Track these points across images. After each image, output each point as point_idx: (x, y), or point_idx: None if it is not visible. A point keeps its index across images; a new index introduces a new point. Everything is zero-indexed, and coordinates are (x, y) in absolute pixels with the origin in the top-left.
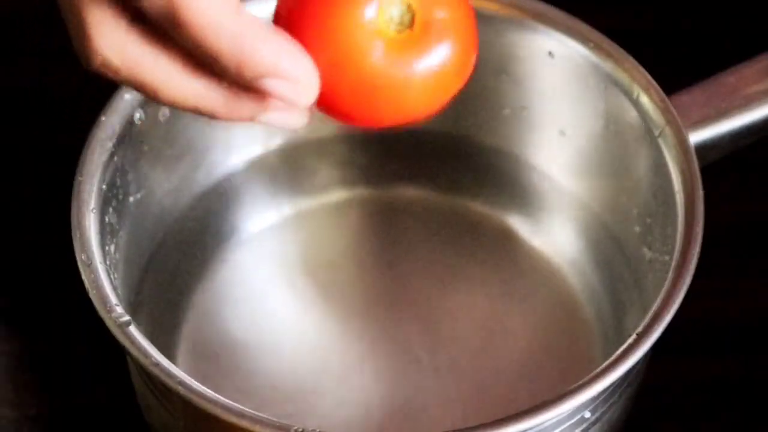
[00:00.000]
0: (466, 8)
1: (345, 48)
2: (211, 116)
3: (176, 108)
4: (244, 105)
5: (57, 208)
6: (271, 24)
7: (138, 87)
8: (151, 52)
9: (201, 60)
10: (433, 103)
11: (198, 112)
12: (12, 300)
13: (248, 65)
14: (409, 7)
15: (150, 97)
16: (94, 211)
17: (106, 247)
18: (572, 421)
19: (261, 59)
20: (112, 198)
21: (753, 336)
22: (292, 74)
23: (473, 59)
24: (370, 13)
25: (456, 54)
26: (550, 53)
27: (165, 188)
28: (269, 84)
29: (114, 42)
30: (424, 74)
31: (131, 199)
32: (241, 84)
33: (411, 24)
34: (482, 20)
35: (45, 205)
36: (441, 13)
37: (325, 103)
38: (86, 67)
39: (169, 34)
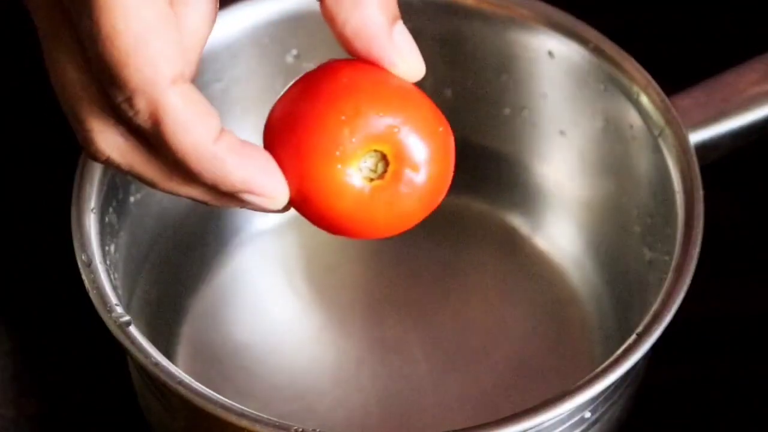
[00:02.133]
0: (444, 142)
1: (313, 182)
2: (204, 204)
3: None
4: (228, 201)
5: (57, 208)
6: (250, 144)
7: (137, 178)
8: (147, 155)
9: (185, 173)
10: (403, 225)
11: (192, 201)
12: (12, 300)
13: (224, 183)
14: (383, 157)
15: (147, 186)
16: (94, 211)
17: (106, 247)
18: (572, 421)
19: (234, 181)
20: (112, 198)
21: (752, 336)
22: (263, 191)
23: (447, 186)
24: (344, 159)
25: (426, 192)
26: (550, 53)
27: None
28: (243, 197)
29: (115, 145)
30: (390, 209)
31: (131, 199)
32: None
33: (383, 173)
34: (482, 20)
35: (45, 205)
36: (415, 157)
37: (302, 214)
38: (92, 159)
39: (157, 150)
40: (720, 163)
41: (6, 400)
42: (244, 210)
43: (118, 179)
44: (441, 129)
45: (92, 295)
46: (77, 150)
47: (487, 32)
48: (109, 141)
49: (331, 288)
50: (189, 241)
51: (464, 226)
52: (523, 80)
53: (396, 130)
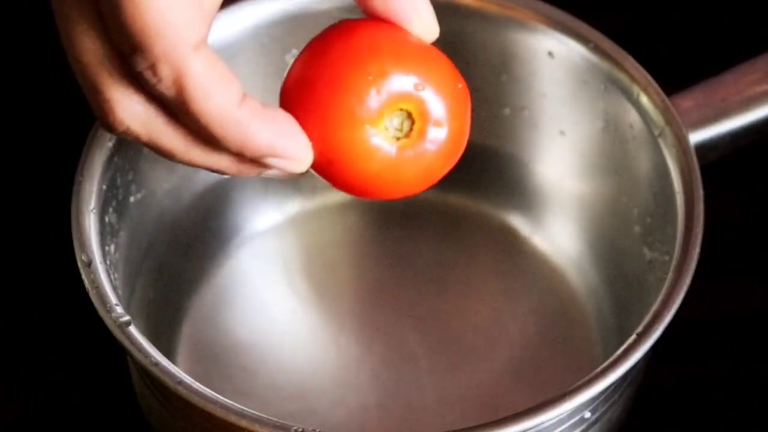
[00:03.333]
0: (464, 98)
1: (340, 144)
2: (223, 174)
3: (191, 166)
4: (250, 168)
5: (57, 208)
6: (272, 108)
7: (155, 149)
8: (168, 124)
9: (208, 140)
10: (428, 182)
11: (211, 171)
12: (12, 300)
13: (248, 148)
14: (408, 115)
15: (166, 158)
16: (94, 211)
17: (106, 247)
18: (572, 421)
19: (259, 143)
20: (112, 198)
21: (752, 336)
22: (287, 153)
23: (466, 140)
24: (371, 119)
25: (449, 148)
26: (550, 53)
27: (165, 188)
28: (267, 161)
29: (135, 114)
30: (415, 167)
31: (131, 199)
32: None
33: (409, 132)
34: (482, 20)
35: (45, 205)
36: (438, 113)
37: (324, 177)
38: (108, 132)
39: (180, 118)
40: (720, 163)
41: (5, 400)
42: (244, 209)
43: (118, 179)
44: (460, 86)
45: (92, 295)
46: (77, 150)
47: (487, 32)
48: (128, 110)
49: (331, 288)
50: (189, 241)
51: (464, 226)
52: (523, 80)
53: (421, 87)
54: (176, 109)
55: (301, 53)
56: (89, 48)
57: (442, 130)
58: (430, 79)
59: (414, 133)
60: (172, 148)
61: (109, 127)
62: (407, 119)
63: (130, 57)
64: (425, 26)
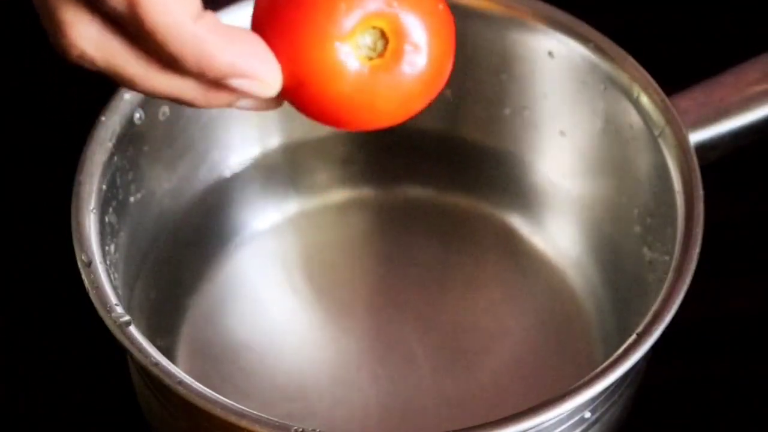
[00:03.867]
0: (445, 20)
1: (309, 63)
2: (190, 105)
3: (155, 97)
4: (219, 96)
5: (57, 208)
6: (233, 26)
7: (115, 78)
8: (125, 46)
9: (166, 60)
10: (405, 112)
11: (176, 101)
12: (12, 300)
13: (208, 67)
14: (382, 34)
15: (128, 87)
16: (94, 211)
17: (106, 247)
18: (572, 421)
19: (220, 62)
20: (112, 198)
21: (752, 336)
22: (252, 73)
23: (448, 70)
24: (342, 36)
25: (428, 74)
26: (550, 53)
27: (165, 188)
28: (231, 82)
29: (89, 36)
30: (391, 92)
31: (131, 199)
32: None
33: (383, 52)
34: (482, 20)
35: (45, 205)
36: (415, 33)
37: (296, 104)
38: (64, 59)
39: (136, 37)
40: (720, 163)
41: (5, 400)
42: (243, 209)
43: (118, 179)
44: (441, 6)
45: (92, 295)
46: (77, 150)
47: (487, 32)
48: (83, 33)
49: (331, 287)
50: (189, 241)
51: (464, 226)
52: (523, 80)
53: (395, 4)
54: (130, 26)
55: None
56: None
57: (420, 53)
58: None
59: (388, 53)
60: (131, 74)
61: (64, 51)
62: (380, 38)
63: None
64: None
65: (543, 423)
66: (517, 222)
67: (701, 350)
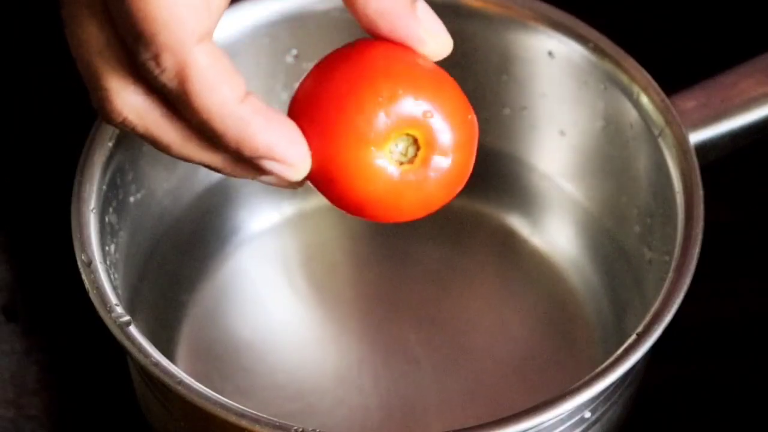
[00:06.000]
0: (471, 129)
1: (343, 163)
2: (217, 172)
3: (186, 161)
4: (246, 169)
5: (57, 208)
6: (272, 109)
7: (151, 142)
8: (166, 117)
9: (206, 135)
10: (426, 210)
11: (206, 167)
12: (12, 299)
13: (247, 147)
14: (414, 141)
15: (162, 151)
16: (94, 211)
17: (106, 247)
18: (572, 421)
19: (258, 144)
20: (112, 198)
21: (753, 336)
22: (285, 158)
23: (469, 172)
24: (378, 141)
25: (452, 178)
26: (550, 53)
27: (165, 188)
28: (264, 163)
29: (133, 105)
30: (416, 194)
31: (131, 199)
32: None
33: (413, 158)
34: (482, 20)
35: (45, 205)
36: (445, 144)
37: (324, 193)
38: (105, 122)
39: (180, 111)
40: (720, 163)
41: (6, 400)
42: (243, 209)
43: (118, 179)
44: (470, 117)
45: (92, 295)
46: (77, 150)
47: (487, 32)
48: (126, 101)
49: (332, 287)
50: (189, 241)
51: (464, 226)
52: (523, 80)
53: (430, 115)
54: (177, 101)
55: (314, 68)
56: (92, 36)
57: (447, 160)
58: (440, 108)
59: (418, 160)
60: (168, 142)
61: (107, 116)
62: (413, 145)
63: (134, 46)
64: (437, 43)
65: (543, 423)
66: (517, 222)
67: (701, 350)
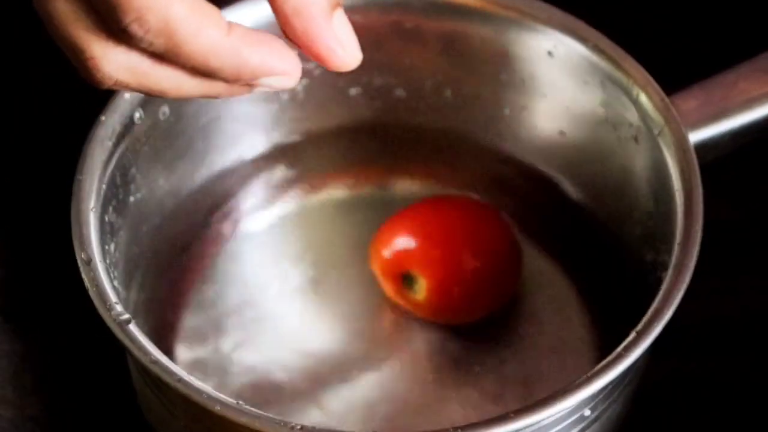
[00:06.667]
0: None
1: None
2: (215, 98)
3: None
4: (242, 89)
5: (57, 208)
6: (258, 32)
7: (146, 93)
8: (156, 65)
9: (203, 73)
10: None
11: (202, 98)
12: (12, 300)
13: (245, 73)
14: (426, 284)
15: (159, 97)
16: (94, 210)
17: (106, 246)
18: (572, 419)
19: (254, 67)
20: (112, 197)
21: (753, 333)
22: (281, 70)
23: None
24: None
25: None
26: (549, 53)
27: (165, 188)
28: (262, 80)
29: (122, 65)
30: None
31: (131, 198)
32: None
33: (423, 296)
34: (482, 20)
35: (45, 205)
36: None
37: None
38: (98, 88)
39: (172, 60)
40: (720, 163)
41: (6, 401)
42: (243, 208)
43: (118, 179)
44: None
45: (92, 293)
46: (77, 150)
47: (487, 32)
48: (114, 63)
49: (332, 286)
50: (188, 240)
51: None
52: (523, 80)
53: None
54: (168, 54)
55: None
56: (63, 6)
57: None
58: None
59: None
60: (164, 88)
61: (98, 82)
62: (424, 287)
63: (111, 14)
64: (346, 55)
65: (543, 420)
66: (517, 222)
67: (701, 348)
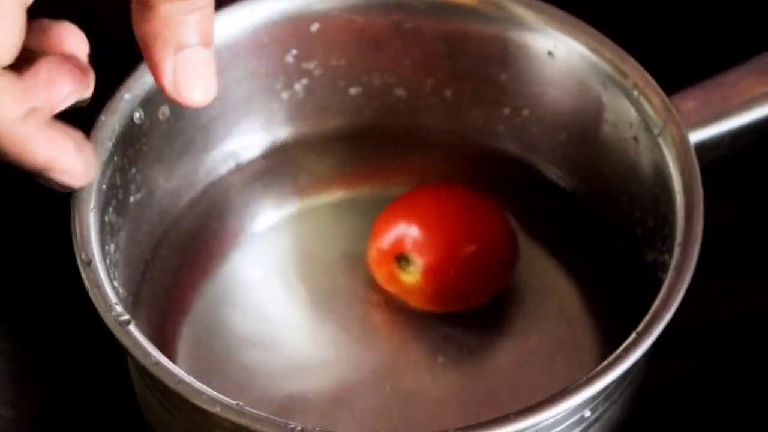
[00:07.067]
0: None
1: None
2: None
3: None
4: (32, 175)
5: (57, 208)
6: (58, 123)
7: None
8: None
9: None
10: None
11: None
12: (12, 300)
13: (28, 163)
14: (421, 263)
15: None
16: (94, 210)
17: (106, 247)
18: (572, 420)
19: (37, 160)
20: (112, 198)
21: (754, 335)
22: (68, 168)
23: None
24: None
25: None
26: (549, 53)
27: (165, 188)
28: (47, 174)
29: None
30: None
31: (131, 199)
32: None
33: (417, 278)
34: (482, 20)
35: (45, 205)
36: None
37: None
38: None
39: None
40: (721, 164)
41: (5, 401)
42: (243, 209)
43: (118, 179)
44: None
45: (92, 294)
46: None
47: (487, 32)
48: None
49: (331, 287)
50: (189, 241)
51: None
52: (523, 80)
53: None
54: None
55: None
56: None
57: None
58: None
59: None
60: None
61: None
62: (418, 270)
63: None
64: (192, 97)
65: (542, 421)
66: (516, 221)
67: (702, 349)
